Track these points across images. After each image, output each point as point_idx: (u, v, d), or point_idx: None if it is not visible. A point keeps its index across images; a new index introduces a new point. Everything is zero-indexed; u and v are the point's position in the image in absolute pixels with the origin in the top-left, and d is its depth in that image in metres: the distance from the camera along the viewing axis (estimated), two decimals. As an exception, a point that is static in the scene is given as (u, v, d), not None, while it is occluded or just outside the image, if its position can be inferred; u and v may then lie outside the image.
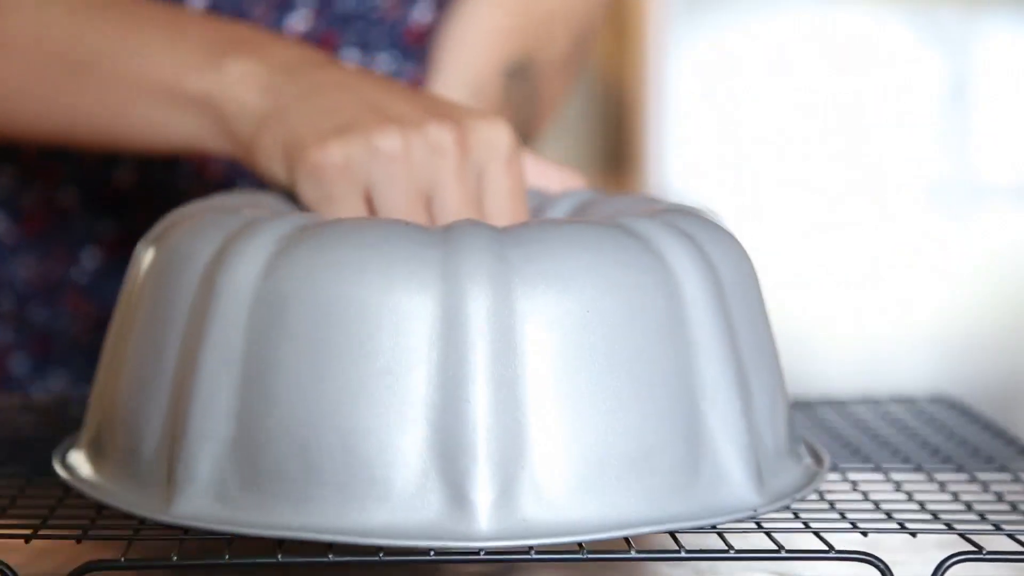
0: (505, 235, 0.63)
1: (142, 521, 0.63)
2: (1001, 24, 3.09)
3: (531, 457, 0.60)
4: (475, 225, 0.63)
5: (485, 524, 0.59)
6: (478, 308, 0.61)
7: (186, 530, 0.62)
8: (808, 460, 0.71)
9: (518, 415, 0.60)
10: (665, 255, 0.64)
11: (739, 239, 0.70)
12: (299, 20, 0.98)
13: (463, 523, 0.59)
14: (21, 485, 0.69)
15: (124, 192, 0.98)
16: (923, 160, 3.05)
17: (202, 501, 0.61)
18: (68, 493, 0.67)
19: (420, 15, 1.01)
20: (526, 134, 0.97)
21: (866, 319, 3.07)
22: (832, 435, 0.83)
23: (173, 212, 0.70)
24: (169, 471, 0.62)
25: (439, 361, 0.60)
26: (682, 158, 3.36)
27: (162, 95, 0.79)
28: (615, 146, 3.63)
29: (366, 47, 1.00)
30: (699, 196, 3.27)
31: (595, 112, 3.67)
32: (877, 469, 0.75)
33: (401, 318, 0.61)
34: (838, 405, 0.90)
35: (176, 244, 0.66)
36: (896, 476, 0.75)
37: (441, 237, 0.63)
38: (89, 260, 0.99)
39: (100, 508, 0.65)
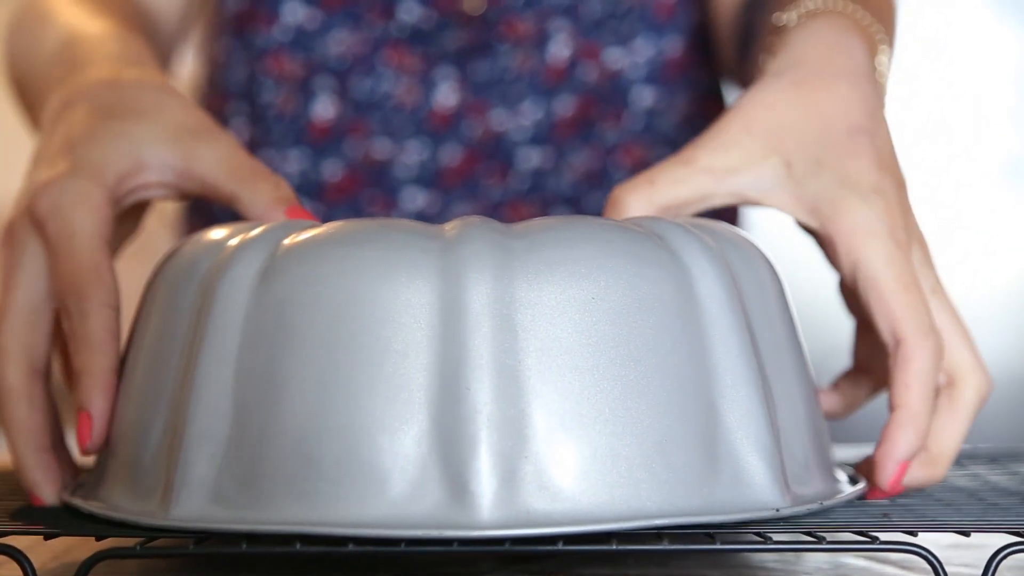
0: (507, 227, 0.62)
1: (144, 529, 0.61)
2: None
3: (534, 447, 0.58)
4: (477, 219, 0.62)
5: (487, 514, 0.57)
6: (478, 295, 0.59)
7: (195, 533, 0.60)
8: (844, 479, 0.68)
9: (521, 404, 0.58)
10: (680, 252, 0.62)
11: (766, 254, 0.67)
12: (325, 107, 1.01)
13: (464, 514, 0.57)
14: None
15: None
16: (998, 137, 3.00)
17: (199, 503, 0.60)
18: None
19: (443, 99, 1.01)
20: None
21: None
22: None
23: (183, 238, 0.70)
24: (167, 476, 0.61)
25: (439, 350, 0.58)
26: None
27: None
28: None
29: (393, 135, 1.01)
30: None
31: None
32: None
33: (399, 307, 0.59)
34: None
35: (179, 260, 0.66)
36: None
37: (439, 230, 0.61)
38: None
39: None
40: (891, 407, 0.67)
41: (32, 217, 0.68)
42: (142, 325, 0.66)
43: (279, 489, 0.58)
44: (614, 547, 0.57)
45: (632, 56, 1.03)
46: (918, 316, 0.67)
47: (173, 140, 0.71)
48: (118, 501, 0.63)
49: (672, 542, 0.57)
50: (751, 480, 0.60)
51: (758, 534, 0.59)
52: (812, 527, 0.60)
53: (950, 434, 0.69)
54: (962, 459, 0.82)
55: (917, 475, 0.68)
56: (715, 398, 0.60)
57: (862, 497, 0.67)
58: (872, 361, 0.72)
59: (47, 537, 0.61)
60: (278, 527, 0.58)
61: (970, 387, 0.69)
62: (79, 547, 0.67)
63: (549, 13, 1.02)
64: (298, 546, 0.57)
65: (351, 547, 0.57)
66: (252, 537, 0.58)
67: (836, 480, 0.67)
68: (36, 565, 0.57)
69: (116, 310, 0.66)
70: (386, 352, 0.58)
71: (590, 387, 0.59)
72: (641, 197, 0.69)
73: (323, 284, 0.60)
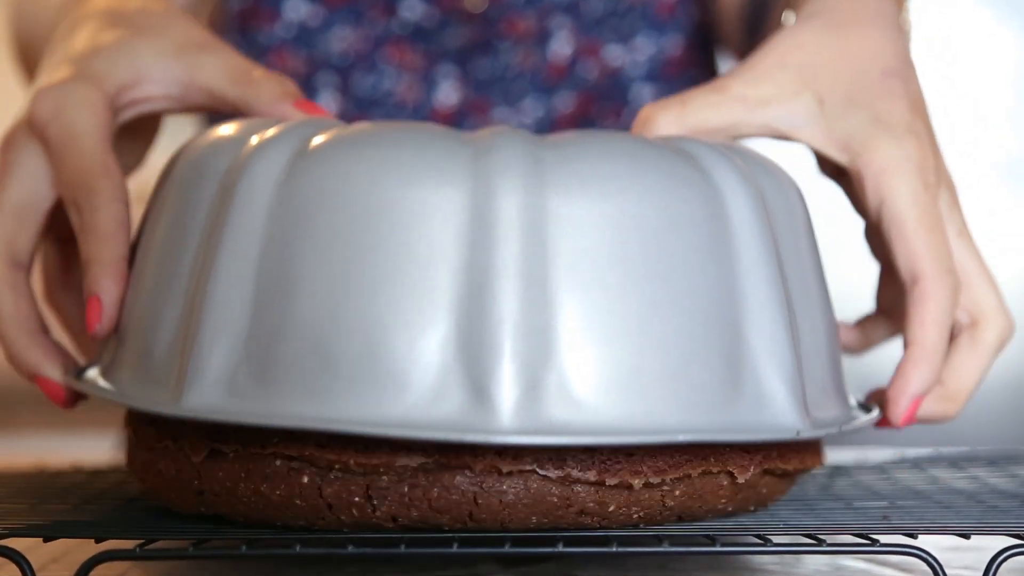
0: (540, 138, 0.61)
1: (151, 417, 0.61)
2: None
3: (559, 358, 0.57)
4: (508, 128, 0.62)
5: (507, 421, 0.56)
6: (508, 204, 0.58)
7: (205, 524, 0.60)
8: (856, 407, 0.68)
9: (547, 315, 0.57)
10: (711, 172, 0.62)
11: (795, 182, 0.67)
12: (327, 104, 1.02)
13: (484, 419, 0.56)
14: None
15: None
16: (996, 138, 3.01)
17: (213, 394, 0.59)
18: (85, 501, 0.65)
19: (445, 97, 1.01)
20: None
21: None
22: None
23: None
24: (181, 366, 0.60)
25: (467, 257, 0.58)
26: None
27: None
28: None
29: None
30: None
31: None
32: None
33: (426, 211, 0.58)
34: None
35: (197, 153, 0.65)
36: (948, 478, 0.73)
37: (473, 136, 0.61)
38: None
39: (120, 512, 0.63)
40: (906, 344, 0.67)
41: (31, 123, 0.68)
42: (154, 219, 0.66)
43: (295, 385, 0.58)
44: (614, 549, 0.57)
45: (633, 54, 1.03)
46: (938, 256, 0.67)
47: (177, 53, 0.71)
48: (127, 389, 0.63)
49: (672, 544, 0.57)
50: (772, 402, 0.60)
51: (758, 536, 0.59)
52: (812, 529, 0.60)
53: (969, 371, 0.69)
54: (961, 461, 0.82)
55: (932, 409, 0.69)
56: (740, 319, 0.60)
57: (875, 425, 0.67)
58: (894, 305, 0.73)
59: (46, 539, 0.60)
60: (293, 422, 0.57)
61: (992, 328, 0.70)
62: (78, 549, 0.67)
63: (550, 10, 1.02)
64: (298, 548, 0.56)
65: (351, 548, 0.56)
66: (251, 540, 0.58)
67: (850, 407, 0.67)
68: (35, 567, 0.57)
69: (126, 204, 0.66)
70: (411, 256, 0.58)
71: (617, 302, 0.58)
72: (672, 116, 0.69)
73: (349, 184, 0.59)
